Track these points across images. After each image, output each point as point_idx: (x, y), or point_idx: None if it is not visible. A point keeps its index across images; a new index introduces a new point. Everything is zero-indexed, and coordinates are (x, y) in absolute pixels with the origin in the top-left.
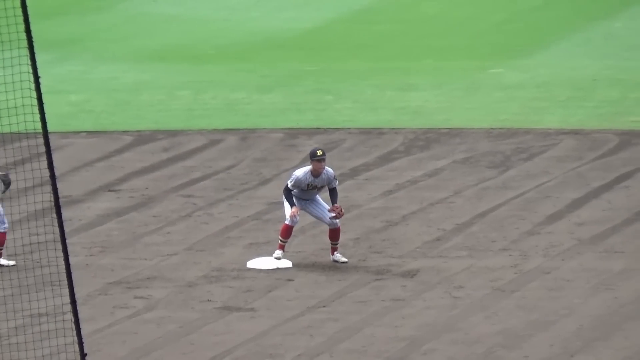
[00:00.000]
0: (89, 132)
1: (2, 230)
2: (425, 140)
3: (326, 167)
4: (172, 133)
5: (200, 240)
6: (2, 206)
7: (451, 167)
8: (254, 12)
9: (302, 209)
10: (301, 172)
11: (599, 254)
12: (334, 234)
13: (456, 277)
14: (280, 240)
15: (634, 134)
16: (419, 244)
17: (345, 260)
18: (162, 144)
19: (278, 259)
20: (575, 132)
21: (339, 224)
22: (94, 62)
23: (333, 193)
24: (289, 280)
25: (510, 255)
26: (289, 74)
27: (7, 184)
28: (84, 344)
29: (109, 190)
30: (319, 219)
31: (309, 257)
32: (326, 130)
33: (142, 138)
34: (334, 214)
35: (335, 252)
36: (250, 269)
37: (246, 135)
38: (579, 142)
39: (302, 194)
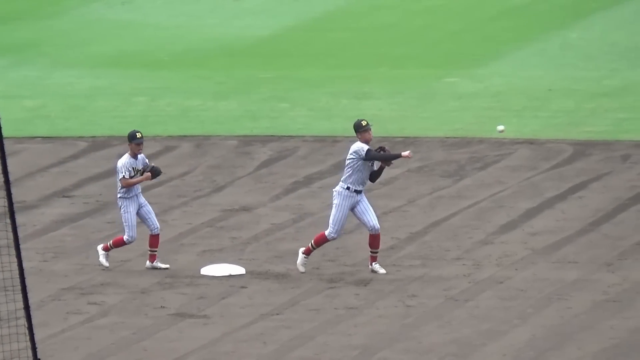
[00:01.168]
0: (44, 138)
1: (154, 233)
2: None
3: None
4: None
5: None
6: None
7: (405, 175)
8: (209, 19)
9: (352, 206)
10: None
11: (553, 264)
12: (374, 240)
13: (409, 286)
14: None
15: (588, 145)
16: None
17: (384, 271)
18: (117, 150)
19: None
20: (529, 142)
21: (379, 230)
22: (50, 68)
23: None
24: (243, 287)
25: (463, 264)
26: (244, 81)
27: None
28: (37, 350)
29: (63, 196)
30: (362, 221)
31: (262, 264)
32: (281, 138)
33: (97, 144)
34: None
35: (373, 262)
36: (203, 276)
37: (201, 142)
38: (534, 152)
39: (363, 178)
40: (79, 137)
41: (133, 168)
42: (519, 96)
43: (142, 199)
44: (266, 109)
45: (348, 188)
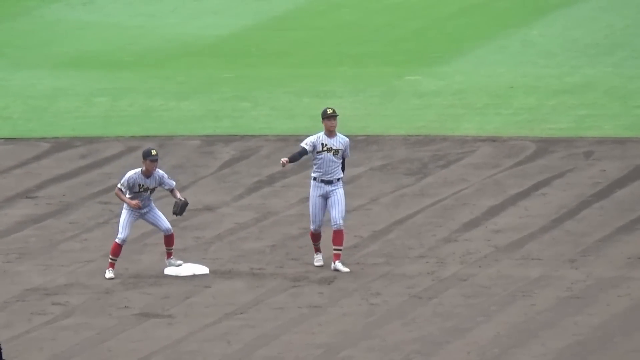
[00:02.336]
0: (6, 139)
1: (166, 234)
2: None
3: (338, 133)
4: (89, 140)
5: None
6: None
7: (368, 174)
8: (170, 18)
9: (325, 196)
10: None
11: (516, 261)
12: (337, 236)
13: (373, 284)
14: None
15: (550, 142)
16: None
17: (347, 270)
18: (80, 151)
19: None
20: (492, 139)
21: (342, 226)
22: (10, 69)
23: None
24: (206, 287)
25: (427, 262)
26: (206, 81)
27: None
28: (1, 351)
29: (26, 197)
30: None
31: (226, 263)
32: (243, 137)
33: (59, 145)
34: None
35: (336, 261)
36: (167, 276)
37: (163, 142)
38: (496, 149)
39: (326, 168)
40: (41, 138)
41: (140, 185)
42: (481, 94)
43: (150, 206)
44: (228, 108)
45: (314, 179)
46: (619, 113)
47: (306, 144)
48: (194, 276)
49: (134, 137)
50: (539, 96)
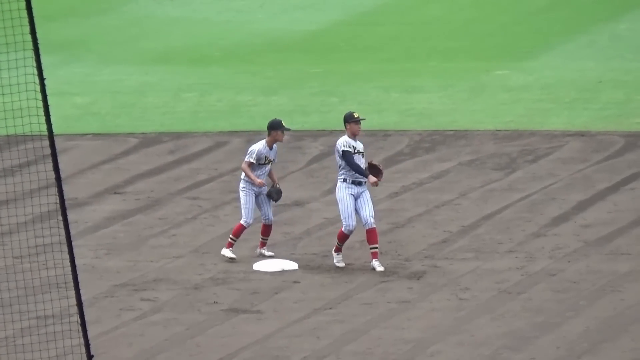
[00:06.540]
0: (95, 135)
1: (266, 223)
2: (430, 142)
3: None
4: (178, 135)
5: (206, 242)
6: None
7: (457, 169)
8: (258, 14)
9: (355, 196)
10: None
11: (605, 256)
12: (371, 235)
13: (462, 279)
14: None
15: (639, 136)
16: (425, 246)
17: (382, 269)
18: (168, 146)
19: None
20: (580, 134)
21: (373, 224)
22: (99, 65)
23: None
24: (295, 282)
25: (516, 257)
26: (294, 76)
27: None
28: (90, 346)
29: (115, 193)
30: (359, 215)
31: (315, 259)
32: (332, 132)
33: (148, 140)
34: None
35: (373, 259)
36: (256, 271)
37: (252, 137)
38: (585, 144)
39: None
40: (130, 133)
41: (265, 157)
42: (569, 88)
43: (265, 188)
44: (316, 103)
45: (345, 180)
46: None
47: (346, 147)
48: (283, 271)
49: (222, 132)
50: (627, 90)
